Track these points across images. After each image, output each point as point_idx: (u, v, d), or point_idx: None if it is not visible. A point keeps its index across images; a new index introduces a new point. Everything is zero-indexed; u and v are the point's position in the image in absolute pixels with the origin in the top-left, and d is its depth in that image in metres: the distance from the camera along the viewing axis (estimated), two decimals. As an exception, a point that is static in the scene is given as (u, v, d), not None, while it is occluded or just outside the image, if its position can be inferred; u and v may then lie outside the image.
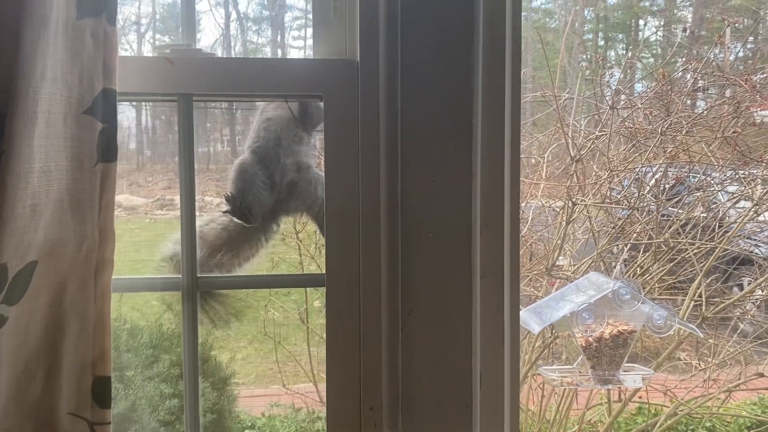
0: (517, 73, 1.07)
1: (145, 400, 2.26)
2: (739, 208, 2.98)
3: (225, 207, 1.22)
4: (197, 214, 1.07)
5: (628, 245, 2.98)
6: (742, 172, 2.94)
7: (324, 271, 1.06)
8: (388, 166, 1.04)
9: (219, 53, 1.07)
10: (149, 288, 1.17)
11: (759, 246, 3.10)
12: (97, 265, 0.90)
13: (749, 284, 3.02)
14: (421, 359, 1.06)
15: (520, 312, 1.42)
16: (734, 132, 2.88)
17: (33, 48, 0.77)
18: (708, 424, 3.15)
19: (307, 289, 2.99)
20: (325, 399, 1.09)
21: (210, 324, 1.24)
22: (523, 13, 1.09)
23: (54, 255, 0.85)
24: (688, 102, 3.33)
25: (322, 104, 1.04)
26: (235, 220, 1.22)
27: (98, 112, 0.88)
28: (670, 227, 2.86)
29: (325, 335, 1.08)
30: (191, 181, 1.06)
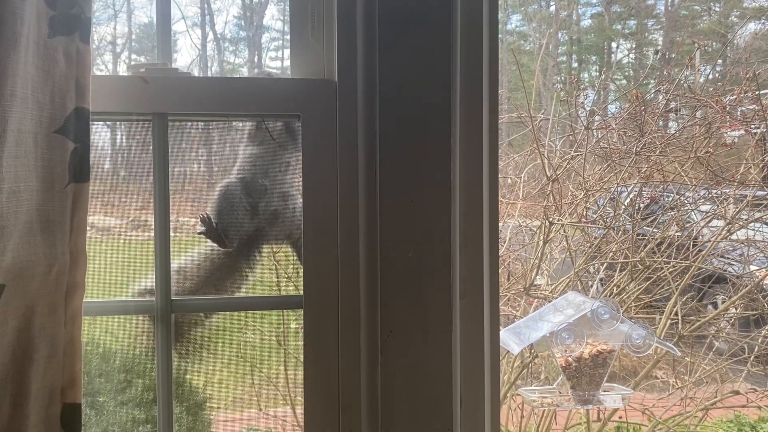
0: (494, 92, 1.07)
1: (118, 426, 2.20)
2: (712, 227, 3.02)
3: (200, 228, 1.20)
4: (172, 234, 1.05)
5: (605, 264, 3.01)
6: (714, 191, 2.99)
7: (301, 293, 1.05)
8: (367, 186, 1.04)
9: (195, 73, 1.06)
10: (122, 311, 1.14)
11: (732, 264, 3.14)
12: (67, 288, 0.87)
13: (723, 302, 3.06)
14: (401, 382, 1.05)
15: (499, 332, 1.41)
16: (706, 152, 2.93)
17: (2, 66, 0.75)
18: (686, 443, 3.16)
19: (285, 310, 2.95)
20: (302, 423, 1.07)
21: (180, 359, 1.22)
22: (498, 35, 1.10)
23: (22, 278, 0.83)
24: (661, 123, 3.39)
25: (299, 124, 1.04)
26: (210, 242, 1.20)
27: (70, 132, 0.86)
28: (645, 246, 2.89)
29: (302, 358, 1.06)
30: (165, 201, 1.04)
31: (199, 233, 1.20)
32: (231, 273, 1.22)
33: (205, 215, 1.18)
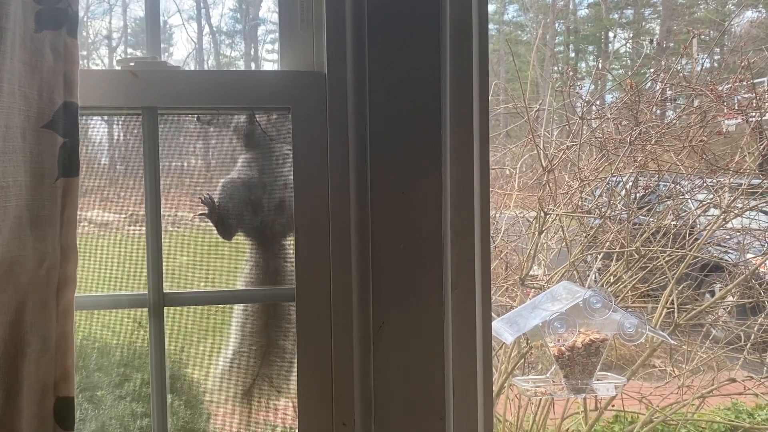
0: (485, 84, 1.07)
1: (116, 420, 2.21)
2: (708, 215, 3.02)
3: (202, 210, 1.18)
4: (171, 229, 1.05)
5: (601, 254, 3.01)
6: (710, 180, 2.99)
7: (294, 286, 1.05)
8: (358, 178, 1.04)
9: (192, 67, 1.05)
10: (115, 305, 1.14)
11: (728, 253, 3.15)
12: (58, 282, 0.88)
13: (720, 290, 3.06)
14: (394, 373, 1.05)
15: (494, 322, 1.41)
16: (702, 141, 2.93)
17: (-12, 61, 0.75)
18: (683, 431, 3.17)
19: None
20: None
21: None
22: (495, 26, 1.11)
23: (12, 273, 0.83)
24: (657, 112, 3.39)
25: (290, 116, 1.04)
26: (210, 223, 1.18)
27: (59, 126, 0.86)
28: (641, 235, 2.89)
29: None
30: (156, 194, 1.04)
31: (200, 215, 1.19)
32: (278, 273, 1.21)
33: (207, 196, 1.16)
